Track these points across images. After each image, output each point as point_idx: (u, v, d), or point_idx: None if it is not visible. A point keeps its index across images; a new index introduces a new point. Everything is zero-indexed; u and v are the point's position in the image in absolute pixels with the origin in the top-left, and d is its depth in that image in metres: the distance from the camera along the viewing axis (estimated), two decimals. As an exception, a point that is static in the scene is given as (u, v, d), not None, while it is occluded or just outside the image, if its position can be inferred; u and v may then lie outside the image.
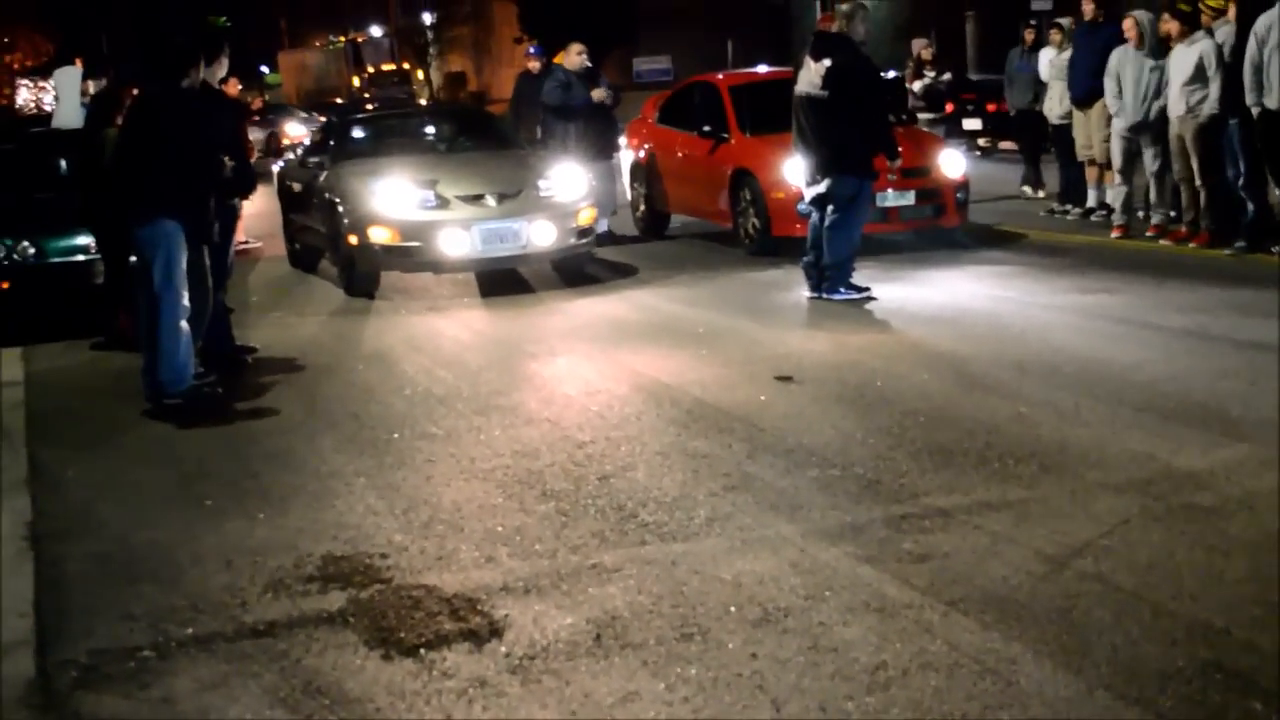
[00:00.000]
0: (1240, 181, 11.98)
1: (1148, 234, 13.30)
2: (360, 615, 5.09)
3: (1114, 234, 13.56)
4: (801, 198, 11.70)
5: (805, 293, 11.17)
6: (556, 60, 16.21)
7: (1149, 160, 13.23)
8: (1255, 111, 11.44)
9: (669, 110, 16.27)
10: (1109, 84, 13.47)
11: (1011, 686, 4.23)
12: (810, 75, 10.94)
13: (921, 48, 19.91)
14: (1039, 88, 16.15)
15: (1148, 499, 5.88)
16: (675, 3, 42.71)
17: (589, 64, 15.38)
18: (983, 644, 4.52)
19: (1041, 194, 16.78)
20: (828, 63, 10.81)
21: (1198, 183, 12.46)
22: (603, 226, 15.09)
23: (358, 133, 14.78)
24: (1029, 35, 16.93)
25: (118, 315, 10.49)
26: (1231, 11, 12.22)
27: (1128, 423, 7.06)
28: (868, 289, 11.03)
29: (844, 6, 11.40)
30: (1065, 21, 16.04)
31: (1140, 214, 13.66)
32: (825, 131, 10.86)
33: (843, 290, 10.98)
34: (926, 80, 18.88)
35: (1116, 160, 13.63)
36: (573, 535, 5.83)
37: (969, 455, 6.62)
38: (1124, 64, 13.28)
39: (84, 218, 10.87)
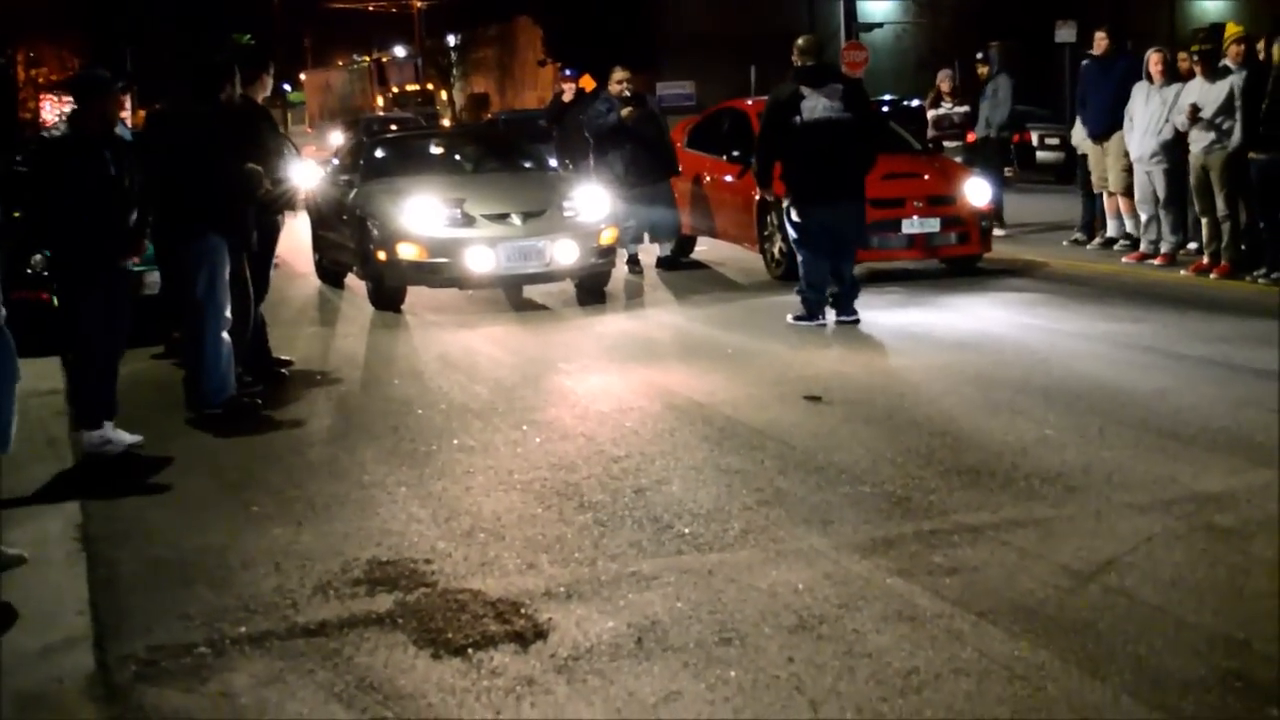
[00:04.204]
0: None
1: (1156, 262, 13.57)
2: (408, 617, 5.26)
3: (1128, 259, 13.83)
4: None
5: (832, 317, 11.34)
6: (583, 84, 16.34)
7: (1161, 189, 13.53)
8: None
9: (697, 135, 16.46)
10: (1127, 119, 13.83)
11: (1040, 692, 4.40)
12: (823, 102, 11.03)
13: (943, 79, 20.23)
14: (992, 114, 17.55)
15: (1170, 519, 6.05)
16: (698, 28, 43.03)
17: (629, 91, 14.83)
18: (1012, 652, 4.69)
19: (1001, 232, 16.71)
20: (840, 87, 11.02)
21: (1220, 214, 12.66)
22: (667, 250, 15.26)
23: (387, 152, 14.99)
24: (982, 69, 18.35)
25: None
26: (1235, 51, 12.69)
27: (1151, 447, 7.23)
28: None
29: (804, 42, 11.47)
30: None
31: (1152, 241, 13.96)
32: (849, 152, 11.01)
33: (843, 313, 11.20)
34: (941, 110, 19.21)
35: (1137, 192, 13.95)
36: (611, 544, 6.01)
37: (996, 475, 6.80)
38: (1137, 98, 13.66)
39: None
